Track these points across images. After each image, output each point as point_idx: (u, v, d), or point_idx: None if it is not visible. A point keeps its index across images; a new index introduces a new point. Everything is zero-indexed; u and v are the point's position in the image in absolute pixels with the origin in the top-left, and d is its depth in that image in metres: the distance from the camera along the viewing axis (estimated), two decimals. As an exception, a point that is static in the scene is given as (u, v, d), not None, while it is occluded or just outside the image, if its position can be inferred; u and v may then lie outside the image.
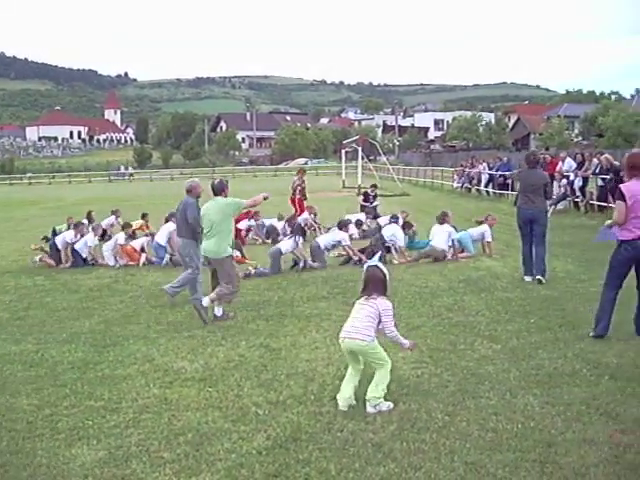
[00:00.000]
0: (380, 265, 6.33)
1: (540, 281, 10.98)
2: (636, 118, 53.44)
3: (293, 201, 21.38)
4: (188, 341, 8.32)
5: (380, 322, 6.04)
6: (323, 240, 13.96)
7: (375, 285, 6.16)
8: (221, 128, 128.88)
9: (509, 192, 27.13)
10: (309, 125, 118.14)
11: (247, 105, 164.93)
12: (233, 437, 5.40)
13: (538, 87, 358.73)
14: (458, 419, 5.62)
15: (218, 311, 9.62)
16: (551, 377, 6.57)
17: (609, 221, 8.06)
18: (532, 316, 8.92)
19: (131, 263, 14.53)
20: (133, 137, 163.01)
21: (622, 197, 7.57)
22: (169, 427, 5.66)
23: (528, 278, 11.24)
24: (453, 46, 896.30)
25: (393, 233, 14.24)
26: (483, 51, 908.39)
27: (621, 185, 7.78)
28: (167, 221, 15.21)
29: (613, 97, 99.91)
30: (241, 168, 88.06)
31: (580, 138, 67.40)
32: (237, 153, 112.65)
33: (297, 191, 21.24)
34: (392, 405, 5.93)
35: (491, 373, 6.73)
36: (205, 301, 9.54)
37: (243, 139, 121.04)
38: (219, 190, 10.11)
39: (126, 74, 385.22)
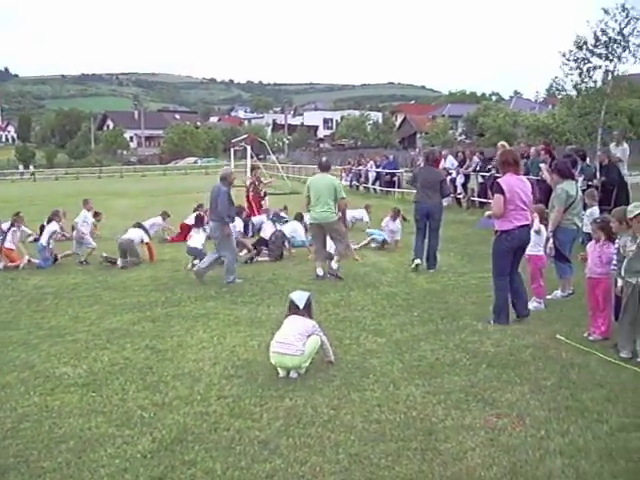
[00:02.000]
0: (304, 294, 7.12)
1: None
2: (514, 118, 55.78)
3: (247, 199, 21.05)
4: (71, 346, 8.06)
5: (310, 336, 6.73)
6: None
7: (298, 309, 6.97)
8: (108, 126, 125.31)
9: (395, 189, 27.78)
10: (199, 124, 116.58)
11: (135, 103, 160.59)
12: (117, 442, 5.30)
13: (424, 87, 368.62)
14: (343, 412, 5.73)
15: (334, 264, 11.49)
16: (433, 367, 6.81)
17: (488, 212, 8.60)
18: (416, 309, 9.21)
19: (10, 264, 13.92)
20: (15, 135, 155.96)
21: (501, 190, 8.01)
22: (50, 435, 5.48)
23: (417, 261, 11.85)
24: (342, 46, 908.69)
25: (294, 229, 14.50)
26: (371, 52, 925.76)
27: (499, 180, 8.22)
28: (50, 221, 14.83)
29: (494, 98, 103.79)
30: (129, 167, 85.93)
31: (463, 137, 69.75)
32: (125, 152, 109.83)
33: (250, 188, 20.95)
34: None
35: (375, 366, 6.90)
36: (334, 264, 11.49)
37: (131, 138, 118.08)
38: (326, 167, 11.95)
39: (6, 69, 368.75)
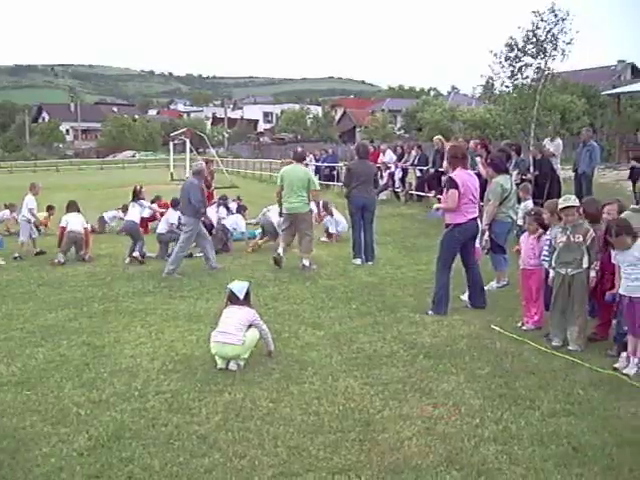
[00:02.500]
0: (243, 284, 7.12)
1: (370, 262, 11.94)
2: (452, 113, 56.47)
3: None
4: (4, 344, 7.87)
5: (251, 326, 6.79)
6: (161, 228, 13.94)
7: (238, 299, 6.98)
8: (43, 119, 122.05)
9: (335, 183, 27.86)
10: (137, 117, 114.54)
11: (71, 95, 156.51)
12: (52, 440, 5.20)
13: (363, 82, 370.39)
14: (282, 405, 5.76)
15: (306, 262, 11.57)
16: (371, 359, 6.89)
17: (438, 205, 8.92)
18: (354, 302, 9.30)
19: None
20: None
21: (455, 185, 8.30)
22: (-18, 436, 5.35)
23: (357, 261, 11.96)
24: (282, 40, 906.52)
25: (235, 222, 14.48)
26: (311, 46, 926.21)
27: (452, 175, 8.49)
28: None
29: (432, 93, 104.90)
30: (65, 161, 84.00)
31: (402, 131, 70.31)
32: (61, 145, 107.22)
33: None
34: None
35: (314, 359, 6.95)
36: (306, 262, 11.54)
37: (67, 131, 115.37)
38: (300, 158, 12.30)
39: None
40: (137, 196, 13.69)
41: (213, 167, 22.22)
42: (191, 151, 40.42)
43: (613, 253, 6.60)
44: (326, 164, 29.51)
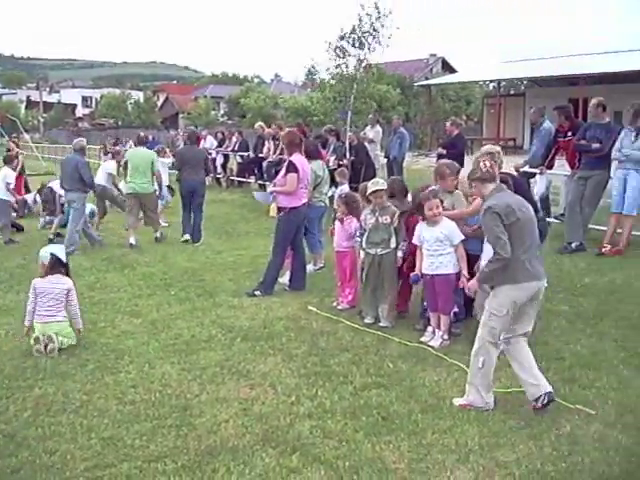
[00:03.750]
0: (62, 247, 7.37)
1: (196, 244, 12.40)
2: (274, 100, 57.05)
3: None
4: None
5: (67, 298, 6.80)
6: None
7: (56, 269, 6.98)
8: None
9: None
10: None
11: None
12: None
13: (187, 68, 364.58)
14: (96, 396, 5.61)
15: (133, 240, 12.24)
16: (189, 345, 6.87)
17: (274, 188, 8.96)
18: (173, 288, 9.20)
19: None
20: None
21: (295, 169, 8.47)
22: None
23: (186, 236, 12.50)
24: (102, 21, 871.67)
25: None
26: (132, 28, 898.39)
27: (293, 159, 8.62)
28: None
29: (255, 80, 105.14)
30: None
31: (225, 118, 70.11)
32: None
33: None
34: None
35: (131, 347, 6.83)
36: (158, 234, 12.72)
37: None
38: (142, 142, 13.76)
39: None
40: None
41: (26, 153, 21.16)
42: (2, 136, 38.06)
43: (417, 232, 6.95)
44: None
